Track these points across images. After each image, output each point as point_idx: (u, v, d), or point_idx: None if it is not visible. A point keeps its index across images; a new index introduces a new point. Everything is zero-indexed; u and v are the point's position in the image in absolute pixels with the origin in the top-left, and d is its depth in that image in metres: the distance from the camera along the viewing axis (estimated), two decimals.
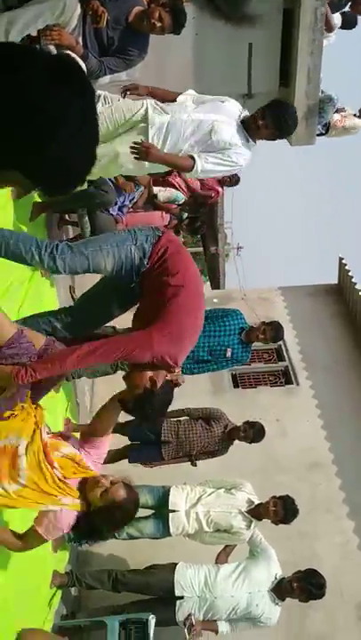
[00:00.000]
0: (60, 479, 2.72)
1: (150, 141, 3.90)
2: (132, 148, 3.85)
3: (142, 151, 3.84)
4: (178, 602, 4.82)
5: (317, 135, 6.51)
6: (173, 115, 3.96)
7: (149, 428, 5.28)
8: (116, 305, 3.52)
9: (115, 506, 2.86)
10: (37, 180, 1.05)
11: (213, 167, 4.01)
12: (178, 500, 4.94)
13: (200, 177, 4.27)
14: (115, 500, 2.86)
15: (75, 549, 5.49)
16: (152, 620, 4.55)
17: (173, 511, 4.90)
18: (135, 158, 3.91)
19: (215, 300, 8.84)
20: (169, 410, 5.36)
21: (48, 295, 4.97)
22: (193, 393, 6.33)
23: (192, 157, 3.94)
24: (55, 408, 4.90)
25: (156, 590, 4.97)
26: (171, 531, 4.90)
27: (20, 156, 0.97)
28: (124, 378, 3.12)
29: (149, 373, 3.00)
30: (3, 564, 3.18)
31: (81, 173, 1.08)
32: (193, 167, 3.95)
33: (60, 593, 4.68)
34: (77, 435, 5.78)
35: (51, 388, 3.25)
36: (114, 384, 6.44)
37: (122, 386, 3.10)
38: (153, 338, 2.98)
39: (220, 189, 8.17)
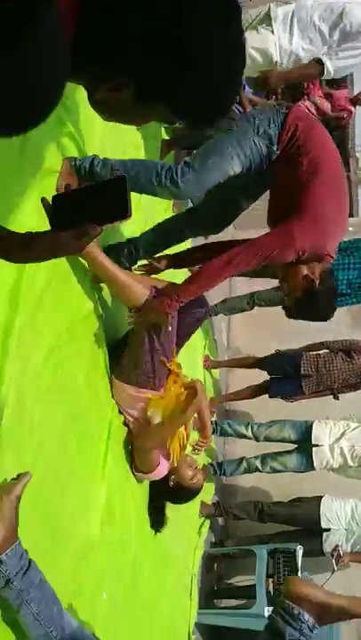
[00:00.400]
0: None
1: (275, 36, 3.63)
2: (254, 82, 3.65)
3: (261, 80, 3.63)
4: (324, 534, 4.84)
5: None
6: (298, 3, 3.67)
7: (289, 361, 5.21)
8: (243, 194, 3.15)
9: (194, 487, 3.45)
10: (184, 112, 0.98)
11: (347, 62, 3.66)
12: (321, 434, 4.88)
13: (336, 77, 3.93)
14: (197, 485, 3.47)
15: (220, 482, 5.65)
16: (300, 550, 4.61)
17: (317, 445, 4.86)
18: (256, 89, 3.71)
19: (351, 229, 8.41)
20: (308, 344, 5.31)
21: None
22: (331, 326, 6.15)
23: (318, 61, 3.64)
24: (195, 345, 4.97)
25: (302, 522, 5.01)
26: (315, 465, 4.87)
27: (166, 87, 0.92)
28: (281, 281, 2.97)
29: (304, 272, 2.77)
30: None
31: (230, 98, 1.00)
32: (323, 71, 3.64)
33: (208, 522, 4.85)
34: (217, 372, 5.91)
35: (196, 328, 3.28)
36: (250, 320, 6.45)
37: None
38: (293, 231, 2.67)
39: (352, 109, 7.61)
